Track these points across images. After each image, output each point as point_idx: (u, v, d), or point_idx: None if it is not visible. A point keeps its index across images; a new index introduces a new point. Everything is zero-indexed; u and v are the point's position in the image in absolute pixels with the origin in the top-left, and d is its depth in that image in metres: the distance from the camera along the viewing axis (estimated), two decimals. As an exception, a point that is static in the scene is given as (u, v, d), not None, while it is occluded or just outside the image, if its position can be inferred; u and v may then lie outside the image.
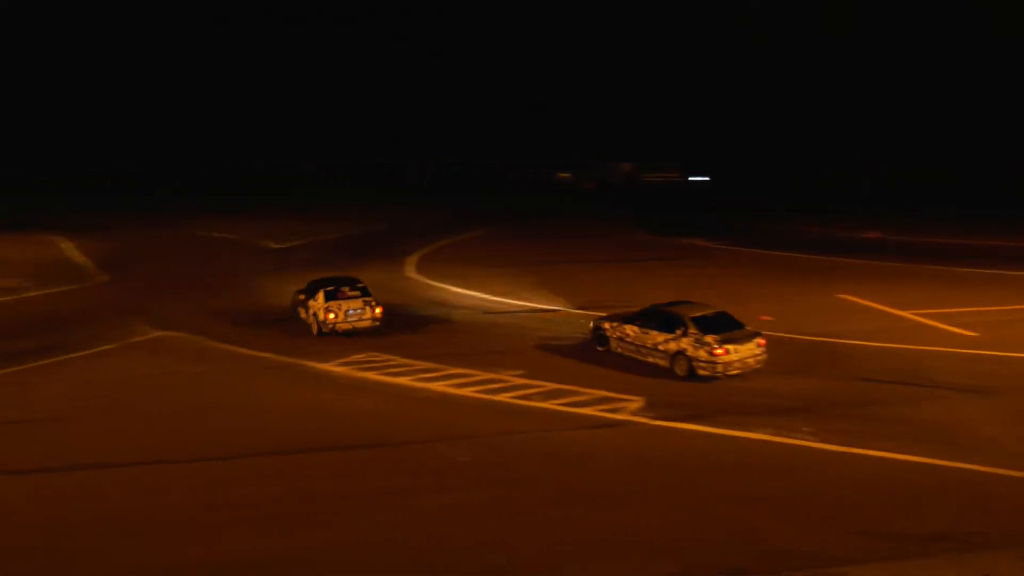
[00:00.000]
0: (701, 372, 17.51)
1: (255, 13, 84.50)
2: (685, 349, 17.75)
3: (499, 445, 14.70)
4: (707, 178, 77.90)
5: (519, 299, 27.16)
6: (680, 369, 17.86)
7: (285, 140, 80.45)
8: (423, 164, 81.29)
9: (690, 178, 79.08)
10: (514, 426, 15.53)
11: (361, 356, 20.04)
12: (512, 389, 17.43)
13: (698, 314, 18.37)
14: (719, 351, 17.28)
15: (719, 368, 17.34)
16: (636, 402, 16.46)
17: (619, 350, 19.52)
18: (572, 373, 18.49)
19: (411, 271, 33.57)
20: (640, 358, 18.89)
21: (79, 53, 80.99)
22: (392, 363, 19.40)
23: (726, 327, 17.96)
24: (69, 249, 39.10)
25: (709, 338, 17.47)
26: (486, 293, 28.29)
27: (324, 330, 21.63)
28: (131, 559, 10.87)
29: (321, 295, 21.94)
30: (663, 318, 18.63)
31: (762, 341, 18.00)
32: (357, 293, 22.14)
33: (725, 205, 59.64)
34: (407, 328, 23.22)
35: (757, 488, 12.73)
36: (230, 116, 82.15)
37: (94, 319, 24.60)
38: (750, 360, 17.71)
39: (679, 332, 17.97)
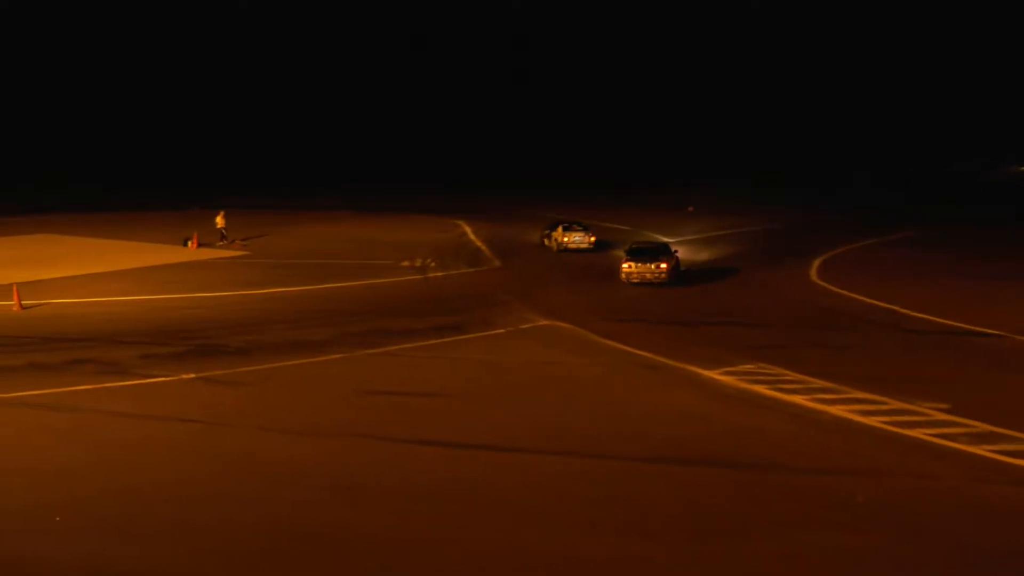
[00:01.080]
0: None
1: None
2: None
3: (907, 489, 13.70)
4: None
5: (947, 316, 25.11)
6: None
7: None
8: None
9: None
10: (928, 469, 14.36)
11: (750, 366, 20.00)
12: (931, 425, 16.10)
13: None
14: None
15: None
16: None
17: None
18: (1014, 414, 16.65)
19: (814, 275, 32.94)
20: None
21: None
22: (784, 378, 19.10)
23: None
24: (469, 233, 45.03)
25: None
26: (906, 307, 26.57)
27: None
28: (524, 546, 11.74)
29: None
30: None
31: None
32: (580, 228, 40.29)
33: None
34: (801, 340, 22.90)
35: None
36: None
37: (488, 303, 27.91)
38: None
39: None
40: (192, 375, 19.55)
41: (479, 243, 42.78)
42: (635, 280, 30.39)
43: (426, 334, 23.59)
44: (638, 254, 31.20)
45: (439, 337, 23.31)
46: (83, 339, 23.01)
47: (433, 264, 36.06)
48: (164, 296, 29.52)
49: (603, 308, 27.39)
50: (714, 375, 19.61)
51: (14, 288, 28.15)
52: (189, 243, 42.29)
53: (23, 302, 27.51)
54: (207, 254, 40.19)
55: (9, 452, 15.00)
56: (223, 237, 43.17)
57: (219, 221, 43.56)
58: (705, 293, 30.25)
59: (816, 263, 35.62)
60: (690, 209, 53.95)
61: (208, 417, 16.65)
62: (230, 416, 16.78)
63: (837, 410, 17.07)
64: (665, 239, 37.35)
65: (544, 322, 25.10)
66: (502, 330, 24.34)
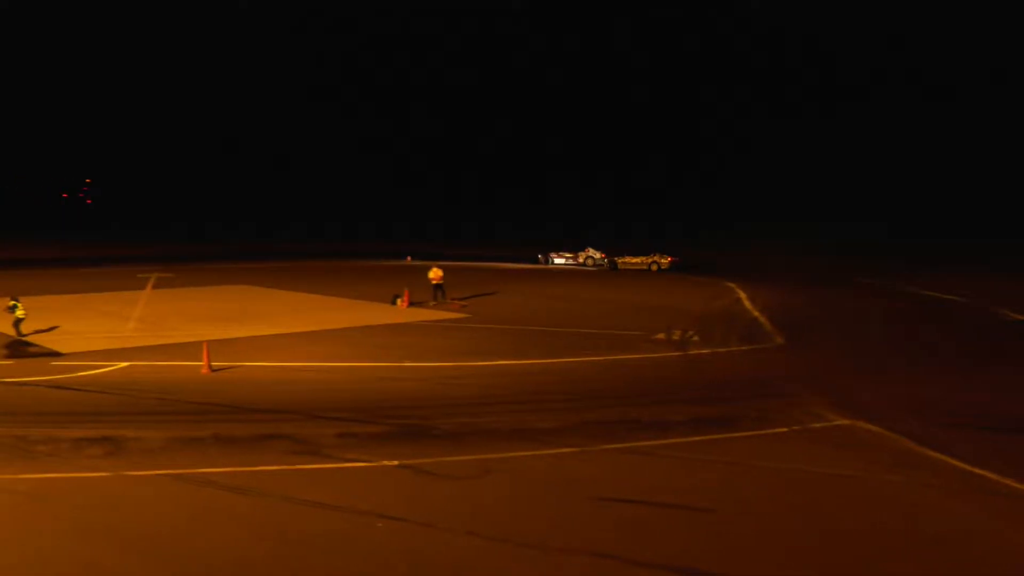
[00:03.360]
0: None
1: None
2: None
3: None
4: None
5: None
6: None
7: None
8: None
9: None
10: None
11: None
12: None
13: None
14: None
15: None
16: None
17: None
18: None
19: None
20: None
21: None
22: None
23: None
24: (744, 300, 43.86)
25: None
26: None
27: None
28: None
29: None
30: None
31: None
32: None
33: None
34: None
35: None
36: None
37: (765, 392, 26.55)
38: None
39: None
40: (395, 462, 19.75)
41: (756, 313, 41.51)
42: None
43: (684, 428, 22.61)
44: None
45: (701, 433, 22.21)
46: (275, 410, 24.12)
47: (696, 338, 35.28)
48: (367, 364, 30.72)
49: (925, 404, 25.35)
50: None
51: (204, 347, 30.44)
52: (399, 301, 44.19)
53: (213, 363, 29.67)
54: (419, 315, 41.72)
55: (188, 538, 15.63)
56: (439, 295, 44.73)
57: (434, 276, 45.16)
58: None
59: None
60: None
61: (412, 515, 16.65)
62: (438, 516, 16.69)
63: None
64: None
65: (842, 421, 23.45)
66: (784, 428, 22.82)
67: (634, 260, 74.29)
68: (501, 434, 22.02)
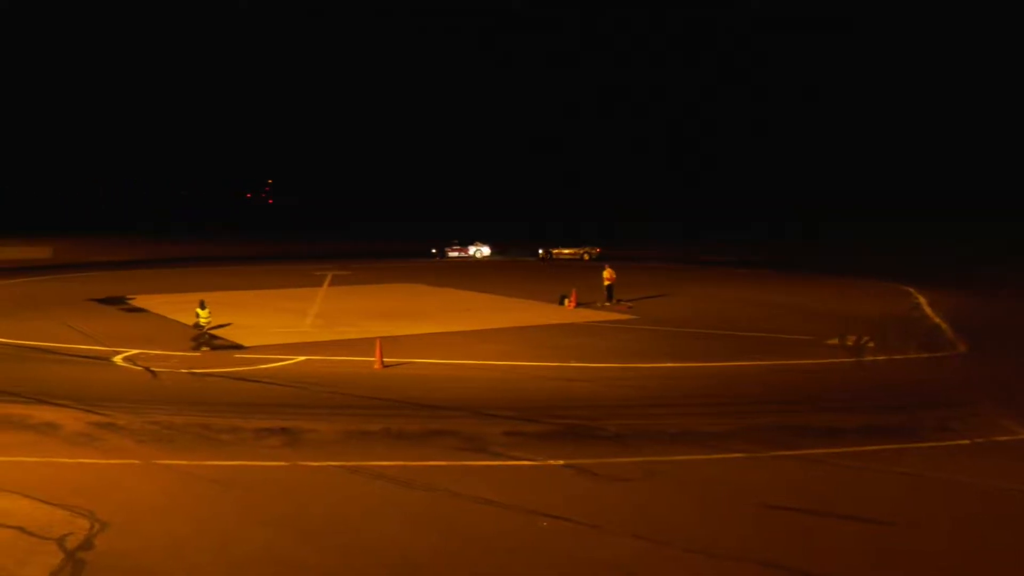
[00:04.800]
0: None
1: None
2: None
3: None
4: None
5: None
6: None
7: None
8: None
9: None
10: None
11: None
12: None
13: None
14: None
15: None
16: None
17: None
18: None
19: None
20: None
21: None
22: None
23: None
24: (924, 306, 42.01)
25: None
26: None
27: None
28: None
29: None
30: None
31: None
32: None
33: None
34: None
35: None
36: None
37: (945, 401, 25.24)
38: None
39: None
40: (561, 462, 19.73)
41: (937, 319, 39.72)
42: None
43: (857, 436, 21.72)
44: None
45: (875, 442, 21.32)
46: (444, 407, 24.48)
47: (871, 344, 34.03)
48: (533, 363, 30.88)
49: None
50: None
51: (377, 344, 31.24)
52: (567, 301, 44.26)
53: (385, 359, 30.41)
54: (587, 315, 41.68)
55: (359, 529, 16.05)
56: (609, 297, 44.57)
57: (607, 276, 45.05)
58: None
59: None
60: None
61: (577, 515, 16.59)
62: (604, 518, 16.57)
63: None
64: None
65: (1031, 435, 22.10)
66: (966, 441, 21.56)
67: (567, 252, 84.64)
68: (666, 437, 21.75)
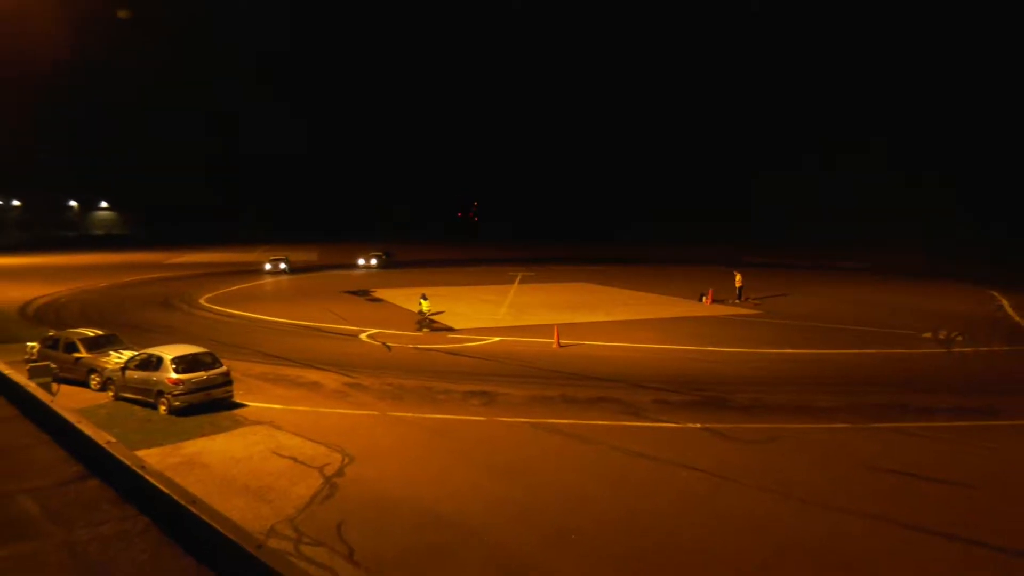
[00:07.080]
0: None
1: None
2: None
3: None
4: None
5: None
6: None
7: None
8: None
9: None
10: None
11: None
12: None
13: None
14: None
15: None
16: None
17: None
18: None
19: None
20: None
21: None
22: None
23: None
24: (1007, 307, 38.91)
25: None
26: None
27: None
28: None
29: None
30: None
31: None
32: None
33: None
34: None
35: None
36: None
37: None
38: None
39: None
40: (699, 425, 19.44)
41: (1019, 319, 36.75)
42: None
43: (948, 415, 20.41)
44: None
45: (964, 420, 20.04)
46: (607, 379, 24.49)
47: (960, 338, 31.79)
48: (680, 347, 30.35)
49: None
50: None
51: (555, 329, 31.45)
52: (704, 298, 43.38)
53: (561, 341, 30.55)
54: (721, 310, 40.68)
55: (545, 472, 16.31)
56: (739, 296, 43.54)
57: (738, 279, 44.25)
58: None
59: None
60: None
61: (712, 468, 16.29)
62: (734, 471, 16.21)
63: None
64: None
65: (1111, 418, 20.18)
66: (1048, 419, 20.15)
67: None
68: (786, 409, 21.00)
